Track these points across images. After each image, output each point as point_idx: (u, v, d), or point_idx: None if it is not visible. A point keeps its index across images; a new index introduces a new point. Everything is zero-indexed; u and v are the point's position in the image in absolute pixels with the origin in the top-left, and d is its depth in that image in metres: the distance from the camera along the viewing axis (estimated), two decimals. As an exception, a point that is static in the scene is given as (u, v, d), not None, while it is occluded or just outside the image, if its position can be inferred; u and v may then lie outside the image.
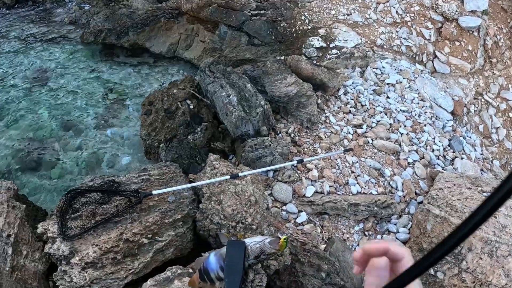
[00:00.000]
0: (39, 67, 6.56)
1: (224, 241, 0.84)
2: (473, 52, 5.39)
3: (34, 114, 5.66)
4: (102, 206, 2.92)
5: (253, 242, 0.81)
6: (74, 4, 8.22)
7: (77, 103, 5.82)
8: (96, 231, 2.79)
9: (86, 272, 2.60)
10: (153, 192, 2.84)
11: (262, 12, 5.47)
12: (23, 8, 8.40)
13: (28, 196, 3.90)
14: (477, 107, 5.28)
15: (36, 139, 5.31)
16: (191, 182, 3.26)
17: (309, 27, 5.54)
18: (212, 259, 0.85)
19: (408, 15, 5.70)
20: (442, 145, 4.64)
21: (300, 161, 3.45)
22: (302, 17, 5.64)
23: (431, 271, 3.51)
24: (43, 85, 6.18)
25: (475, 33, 5.46)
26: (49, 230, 2.80)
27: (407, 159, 4.32)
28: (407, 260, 0.67)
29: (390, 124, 4.65)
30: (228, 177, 2.88)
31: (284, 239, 0.82)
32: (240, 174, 2.94)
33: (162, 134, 4.19)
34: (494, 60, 5.51)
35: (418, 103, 5.02)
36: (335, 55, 5.29)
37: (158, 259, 2.86)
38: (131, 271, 2.70)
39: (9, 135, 5.31)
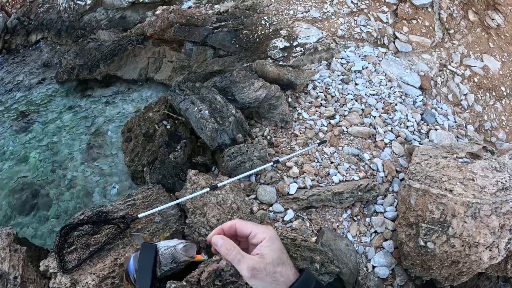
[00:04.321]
0: (20, 113, 6.68)
1: (139, 243, 0.84)
2: (430, 27, 5.57)
3: (22, 160, 5.78)
4: (94, 236, 3.05)
5: (164, 246, 0.81)
6: (45, 46, 8.36)
7: (61, 142, 5.95)
8: (92, 260, 2.92)
9: (89, 300, 2.71)
10: (139, 215, 2.96)
11: (223, 23, 5.62)
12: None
13: (30, 239, 4.00)
14: (443, 78, 5.43)
15: (29, 184, 5.43)
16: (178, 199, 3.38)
17: (271, 30, 5.70)
18: (131, 261, 0.87)
19: (363, 2, 5.87)
20: (416, 120, 4.72)
21: (276, 162, 3.54)
22: (263, 22, 5.80)
23: (421, 242, 3.58)
24: (27, 130, 6.30)
25: (429, 9, 5.64)
26: (50, 266, 2.94)
27: (383, 140, 4.38)
28: (254, 233, 0.89)
29: (362, 109, 4.72)
30: (207, 189, 3.01)
31: (202, 260, 0.82)
32: (219, 185, 3.06)
33: (144, 158, 4.30)
34: (451, 31, 5.68)
35: (386, 85, 5.14)
36: (300, 53, 5.44)
37: (155, 278, 2.99)
38: (130, 294, 2.82)
39: (2, 184, 5.42)
